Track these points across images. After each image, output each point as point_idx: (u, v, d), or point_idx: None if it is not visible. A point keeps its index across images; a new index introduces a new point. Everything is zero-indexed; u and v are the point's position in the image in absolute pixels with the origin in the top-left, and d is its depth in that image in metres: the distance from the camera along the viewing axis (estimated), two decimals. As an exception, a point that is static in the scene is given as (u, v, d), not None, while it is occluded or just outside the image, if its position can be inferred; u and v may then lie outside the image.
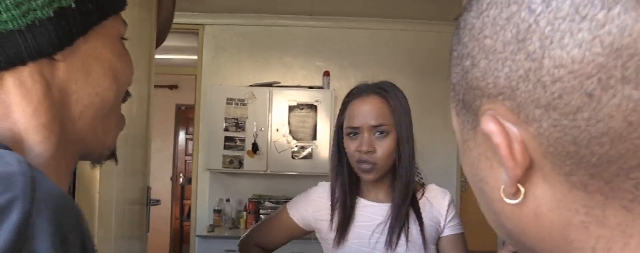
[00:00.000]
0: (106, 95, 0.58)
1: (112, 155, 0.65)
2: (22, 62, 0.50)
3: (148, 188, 1.95)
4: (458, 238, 1.31)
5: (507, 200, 0.32)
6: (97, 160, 0.64)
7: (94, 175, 1.43)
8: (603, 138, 0.26)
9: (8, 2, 0.48)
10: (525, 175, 0.30)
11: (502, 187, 0.32)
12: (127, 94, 0.64)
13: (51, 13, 0.51)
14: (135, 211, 1.79)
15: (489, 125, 0.30)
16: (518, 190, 0.31)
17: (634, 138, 0.25)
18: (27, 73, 0.51)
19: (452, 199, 1.34)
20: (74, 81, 0.55)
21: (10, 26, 0.49)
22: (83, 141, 0.58)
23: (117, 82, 0.59)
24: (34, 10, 0.50)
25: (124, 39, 0.62)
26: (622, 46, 0.24)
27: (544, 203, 0.30)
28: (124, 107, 0.66)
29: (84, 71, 0.55)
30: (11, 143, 0.50)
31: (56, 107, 0.54)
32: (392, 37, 4.15)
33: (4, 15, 0.48)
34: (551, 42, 0.27)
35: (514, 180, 0.30)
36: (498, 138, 0.30)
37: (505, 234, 0.36)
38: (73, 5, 0.52)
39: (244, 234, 1.48)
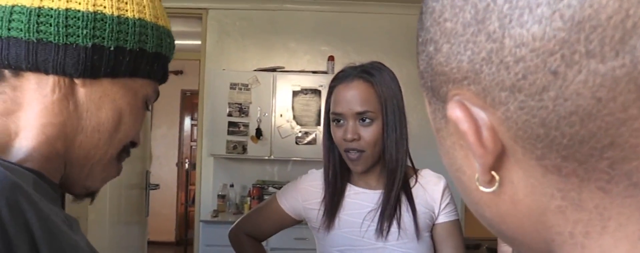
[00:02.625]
0: (105, 137, 0.64)
1: (89, 195, 0.69)
2: (46, 72, 0.59)
3: (147, 173, 1.94)
4: (453, 225, 1.27)
5: (483, 189, 0.30)
6: (71, 193, 0.68)
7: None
8: (572, 117, 0.24)
9: (60, 21, 0.58)
10: (499, 161, 0.29)
11: (476, 175, 0.30)
12: (125, 152, 0.69)
13: (89, 44, 0.59)
14: (133, 196, 1.78)
15: (455, 112, 0.29)
16: (493, 177, 0.29)
17: (604, 116, 0.23)
18: (51, 82, 0.59)
19: (447, 184, 1.28)
20: (86, 109, 0.62)
21: (52, 39, 0.58)
22: (70, 169, 0.63)
23: (118, 130, 0.65)
24: (77, 36, 0.58)
25: (147, 107, 0.69)
26: (583, 18, 0.23)
27: (520, 189, 0.29)
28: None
29: (98, 105, 0.62)
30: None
31: (66, 119, 0.60)
32: (397, 21, 4.10)
33: (53, 29, 0.58)
34: (510, 21, 0.25)
35: (485, 168, 0.29)
36: (465, 125, 0.28)
37: (487, 224, 0.34)
38: (112, 48, 0.60)
39: (234, 224, 1.45)
